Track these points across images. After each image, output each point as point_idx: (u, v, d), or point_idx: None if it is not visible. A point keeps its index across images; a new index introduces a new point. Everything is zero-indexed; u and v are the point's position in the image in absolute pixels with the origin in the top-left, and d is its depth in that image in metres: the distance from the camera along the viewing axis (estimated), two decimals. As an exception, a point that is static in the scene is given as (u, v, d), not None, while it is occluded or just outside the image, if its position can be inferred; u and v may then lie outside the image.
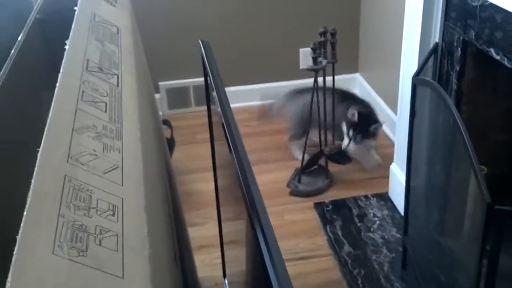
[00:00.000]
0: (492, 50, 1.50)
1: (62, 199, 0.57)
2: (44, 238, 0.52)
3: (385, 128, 2.88)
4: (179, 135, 2.77)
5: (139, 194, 0.66)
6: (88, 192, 0.61)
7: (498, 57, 1.48)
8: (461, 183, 1.46)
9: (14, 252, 0.49)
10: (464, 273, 1.47)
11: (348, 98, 2.58)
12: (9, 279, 0.46)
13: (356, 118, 2.38)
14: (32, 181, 0.58)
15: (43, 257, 0.50)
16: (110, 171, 0.66)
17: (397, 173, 2.24)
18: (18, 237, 0.50)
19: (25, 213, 0.53)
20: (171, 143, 2.52)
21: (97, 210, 0.59)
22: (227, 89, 1.14)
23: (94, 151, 0.68)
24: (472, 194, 1.34)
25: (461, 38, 1.68)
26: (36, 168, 0.60)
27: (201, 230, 2.21)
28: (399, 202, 2.21)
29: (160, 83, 3.08)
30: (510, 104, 1.81)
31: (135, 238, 0.58)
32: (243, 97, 3.13)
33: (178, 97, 3.15)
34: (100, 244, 0.54)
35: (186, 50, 2.93)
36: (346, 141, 2.43)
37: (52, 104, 0.72)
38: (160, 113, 3.07)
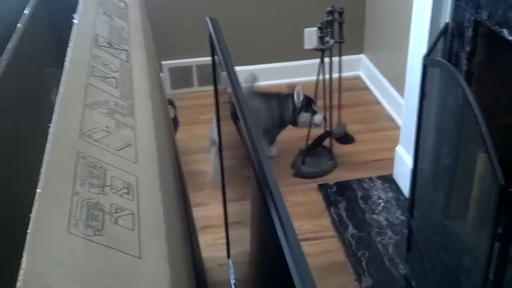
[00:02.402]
0: (505, 31, 1.47)
1: (76, 176, 0.55)
2: (59, 217, 0.49)
3: (389, 109, 2.86)
4: (182, 115, 2.74)
5: (154, 172, 0.64)
6: (102, 169, 0.59)
7: (511, 38, 1.45)
8: (471, 165, 1.44)
9: (28, 231, 0.47)
10: (471, 256, 1.45)
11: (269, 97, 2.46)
12: (24, 259, 0.44)
13: (301, 94, 2.37)
14: (45, 157, 0.56)
15: (59, 236, 0.48)
16: (123, 148, 0.64)
17: (403, 155, 2.22)
18: (32, 215, 0.48)
19: (38, 190, 0.51)
20: (175, 123, 2.50)
21: (111, 188, 0.57)
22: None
23: (107, 127, 0.66)
24: (484, 176, 1.32)
25: (472, 18, 1.64)
26: (48, 144, 0.57)
27: (205, 211, 2.20)
28: (404, 184, 2.20)
29: (163, 63, 3.05)
30: (520, 86, 1.79)
31: (151, 217, 0.56)
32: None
33: (181, 77, 3.11)
34: (116, 223, 0.52)
35: (190, 29, 2.89)
36: (319, 117, 2.40)
37: (63, 78, 0.70)
38: (163, 92, 3.03)
